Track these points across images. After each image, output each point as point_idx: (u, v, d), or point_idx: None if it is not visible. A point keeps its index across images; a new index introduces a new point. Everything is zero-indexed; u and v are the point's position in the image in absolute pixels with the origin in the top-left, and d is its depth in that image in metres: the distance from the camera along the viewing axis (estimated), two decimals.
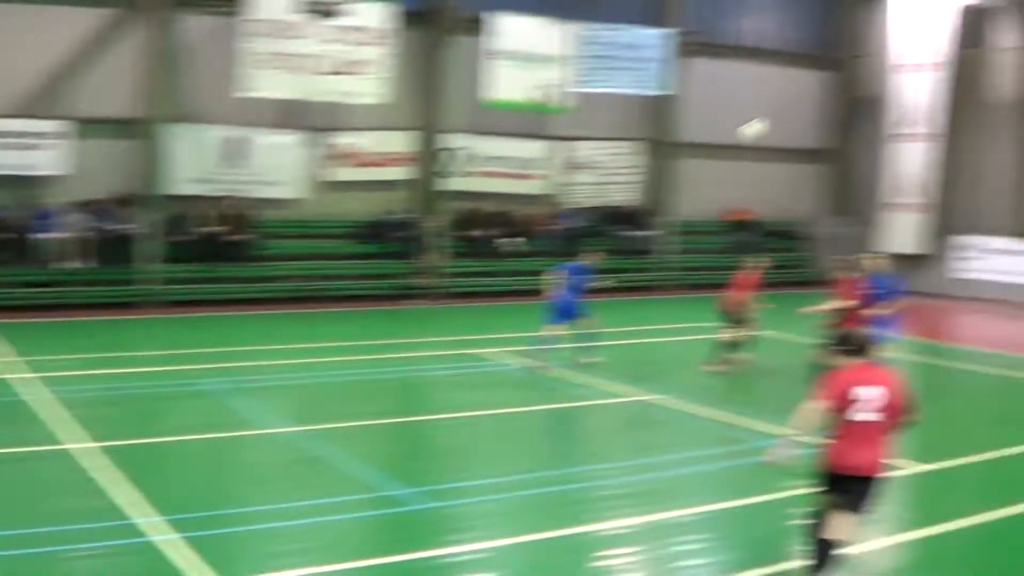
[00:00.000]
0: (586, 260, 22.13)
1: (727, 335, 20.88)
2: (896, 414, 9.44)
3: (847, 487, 9.39)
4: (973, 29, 37.77)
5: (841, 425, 9.33)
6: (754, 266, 21.31)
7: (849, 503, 9.39)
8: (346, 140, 32.04)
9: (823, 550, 9.53)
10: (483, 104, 32.90)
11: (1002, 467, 14.34)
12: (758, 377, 21.26)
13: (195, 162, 29.82)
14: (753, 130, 22.58)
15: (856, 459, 9.31)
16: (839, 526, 9.44)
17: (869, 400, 9.30)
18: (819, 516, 9.65)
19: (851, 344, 9.63)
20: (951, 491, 13.31)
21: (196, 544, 10.42)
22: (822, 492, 9.62)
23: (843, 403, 9.29)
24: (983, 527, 11.66)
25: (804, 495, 10.37)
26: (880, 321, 17.72)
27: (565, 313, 21.20)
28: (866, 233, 40.06)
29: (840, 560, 9.42)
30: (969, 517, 11.80)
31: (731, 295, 21.21)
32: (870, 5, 40.77)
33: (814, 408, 9.34)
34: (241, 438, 15.31)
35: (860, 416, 9.25)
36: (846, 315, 17.81)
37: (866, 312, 17.73)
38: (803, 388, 19.06)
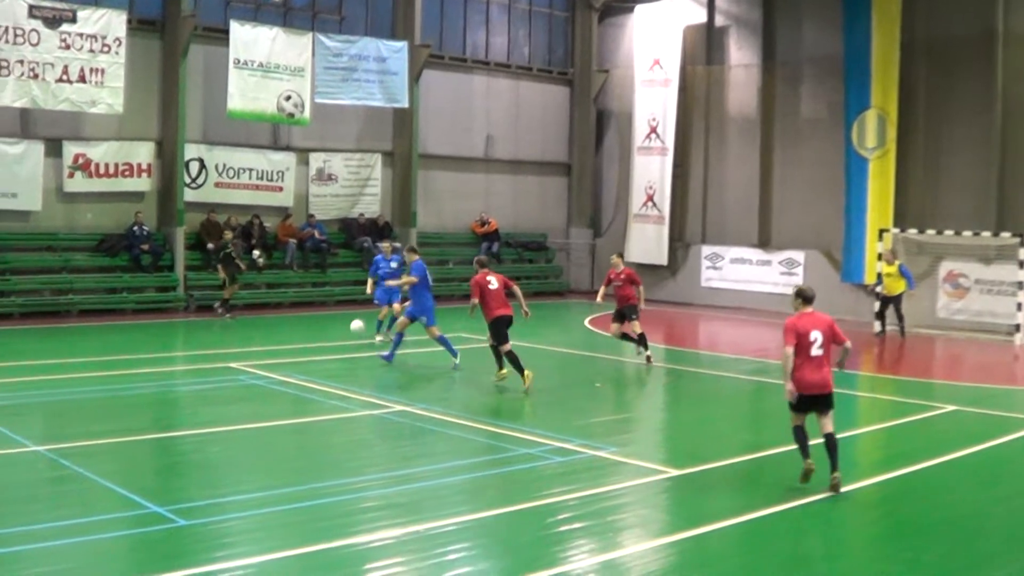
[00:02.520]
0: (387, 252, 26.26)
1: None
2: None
3: None
4: (701, 47, 39.11)
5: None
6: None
7: None
8: (84, 150, 31.29)
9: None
10: (228, 115, 32.55)
11: (759, 468, 14.86)
12: (514, 386, 21.61)
13: None
14: (356, 326, 24.90)
15: None
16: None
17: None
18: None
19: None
20: (711, 493, 13.69)
21: None
22: None
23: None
24: (744, 527, 12.00)
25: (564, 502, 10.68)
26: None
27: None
28: (611, 244, 41.07)
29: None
30: (730, 518, 12.13)
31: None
32: (615, 21, 41.80)
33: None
34: None
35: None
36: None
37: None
38: (558, 394, 19.59)
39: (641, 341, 24.01)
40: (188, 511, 12.09)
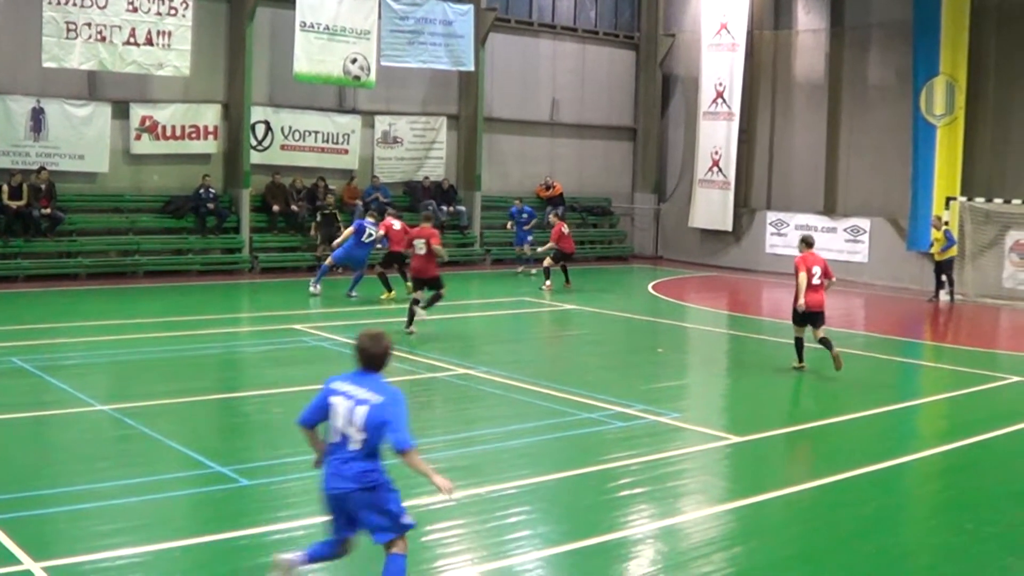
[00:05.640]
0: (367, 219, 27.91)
1: None
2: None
3: None
4: (769, 12, 38.77)
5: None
6: None
7: None
8: (151, 113, 31.48)
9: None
10: (294, 77, 32.60)
11: (821, 436, 14.83)
12: (576, 350, 21.61)
13: None
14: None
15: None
16: None
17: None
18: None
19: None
20: (770, 461, 13.69)
21: (10, 527, 9.96)
22: None
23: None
24: (804, 495, 11.99)
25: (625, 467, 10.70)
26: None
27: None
28: (676, 209, 40.91)
29: None
30: (790, 486, 12.14)
31: None
32: None
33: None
34: (58, 416, 14.90)
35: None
36: None
37: None
38: (621, 359, 19.54)
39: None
40: (251, 471, 12.22)
